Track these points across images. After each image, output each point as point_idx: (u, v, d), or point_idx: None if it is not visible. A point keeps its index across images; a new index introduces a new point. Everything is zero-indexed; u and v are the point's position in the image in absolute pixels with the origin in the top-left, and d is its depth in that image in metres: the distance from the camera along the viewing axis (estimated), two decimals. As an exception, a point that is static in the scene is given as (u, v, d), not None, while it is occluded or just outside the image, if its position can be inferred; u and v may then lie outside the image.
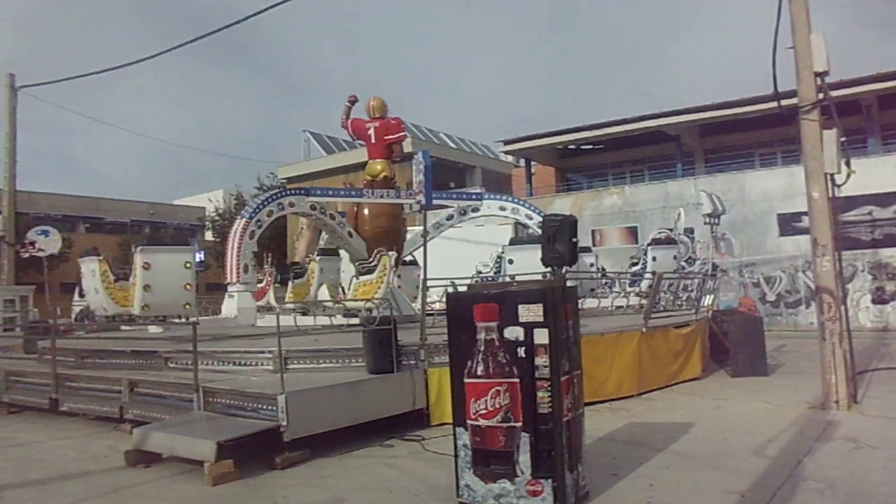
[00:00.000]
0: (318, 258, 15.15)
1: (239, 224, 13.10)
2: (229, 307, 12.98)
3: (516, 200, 15.40)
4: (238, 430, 6.78)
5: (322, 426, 7.11)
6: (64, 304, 19.02)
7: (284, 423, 6.69)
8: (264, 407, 7.00)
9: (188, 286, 11.28)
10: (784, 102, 8.65)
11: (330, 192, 14.95)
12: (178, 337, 9.82)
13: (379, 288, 12.29)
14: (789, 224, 21.41)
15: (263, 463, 6.65)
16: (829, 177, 8.45)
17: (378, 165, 14.26)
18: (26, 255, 17.78)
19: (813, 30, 8.42)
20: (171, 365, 9.31)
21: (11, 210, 20.72)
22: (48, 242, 17.94)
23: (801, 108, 8.44)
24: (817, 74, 8.41)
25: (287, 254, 33.12)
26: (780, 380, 10.85)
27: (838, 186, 8.63)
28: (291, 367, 8.36)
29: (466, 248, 17.70)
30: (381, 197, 13.97)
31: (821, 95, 8.43)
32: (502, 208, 15.02)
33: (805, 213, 8.97)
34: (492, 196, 15.34)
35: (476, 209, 15.04)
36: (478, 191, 17.17)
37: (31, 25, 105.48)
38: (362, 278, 12.90)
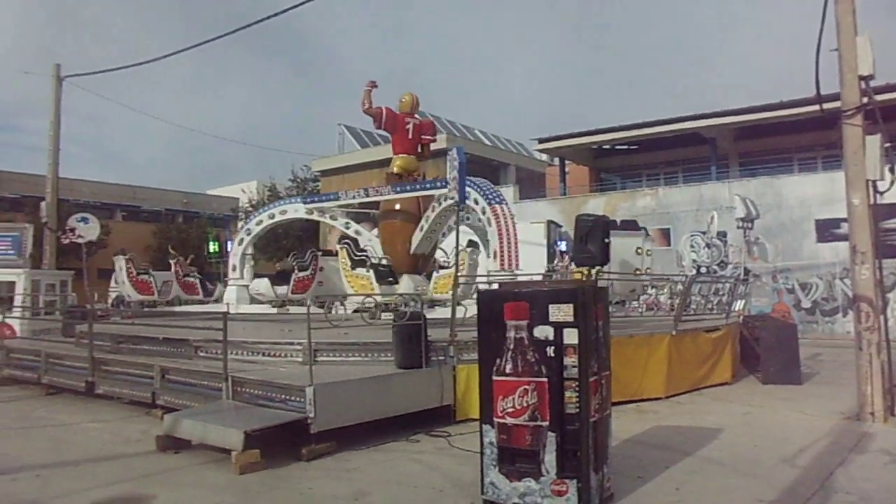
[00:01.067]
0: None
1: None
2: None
3: (471, 184, 12.83)
4: (265, 421, 6.86)
5: (349, 419, 7.16)
6: (101, 290, 19.43)
7: (312, 415, 6.77)
8: (292, 398, 7.08)
9: None
10: (826, 106, 8.48)
11: (323, 198, 16.20)
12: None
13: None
14: (828, 230, 20.98)
15: (290, 454, 6.72)
16: (870, 183, 8.27)
17: (412, 162, 14.29)
18: (66, 241, 18.18)
19: (859, 32, 8.24)
20: (202, 354, 9.47)
21: (54, 197, 21.19)
22: (87, 229, 18.29)
23: (844, 113, 8.26)
24: (862, 78, 8.22)
25: (319, 247, 33.46)
26: (813, 389, 10.65)
27: (880, 193, 8.44)
28: (320, 359, 8.43)
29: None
30: (355, 197, 14.60)
31: (865, 99, 8.24)
32: (476, 201, 12.90)
33: (845, 220, 8.78)
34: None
35: (452, 197, 13.52)
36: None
37: (73, 16, 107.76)
38: (442, 272, 13.11)
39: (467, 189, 12.41)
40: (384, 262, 13.66)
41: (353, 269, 12.99)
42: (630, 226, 14.37)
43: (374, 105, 13.98)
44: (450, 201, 11.19)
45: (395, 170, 14.31)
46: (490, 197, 12.52)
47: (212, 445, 6.81)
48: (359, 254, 13.11)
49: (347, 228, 15.55)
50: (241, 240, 15.94)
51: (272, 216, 15.74)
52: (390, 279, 13.06)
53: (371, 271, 12.72)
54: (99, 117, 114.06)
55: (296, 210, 15.50)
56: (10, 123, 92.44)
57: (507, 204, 12.57)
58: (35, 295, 17.98)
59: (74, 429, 8.55)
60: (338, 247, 13.43)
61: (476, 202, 12.55)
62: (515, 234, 12.20)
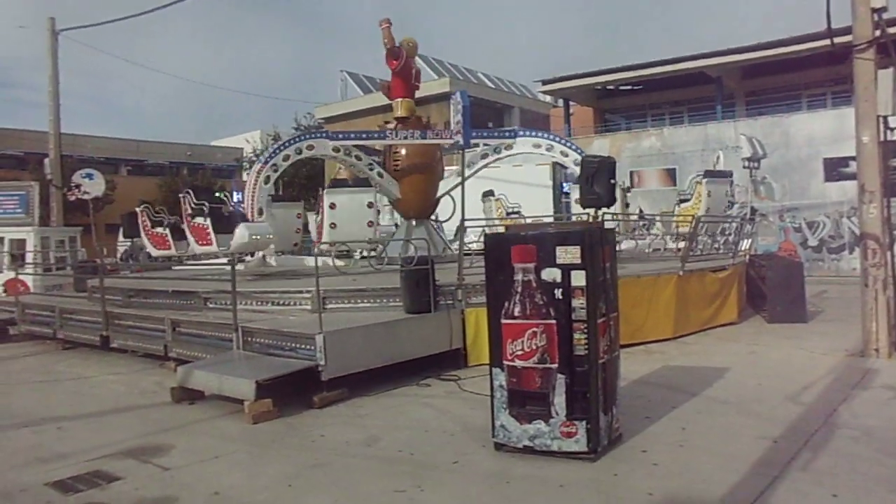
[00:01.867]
0: (704, 180, 14.18)
1: (255, 168, 13.22)
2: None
3: (551, 137, 14.32)
4: (276, 370, 6.95)
5: (359, 366, 7.25)
6: (109, 245, 19.56)
7: (322, 362, 6.84)
8: (302, 346, 7.16)
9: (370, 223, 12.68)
10: (837, 40, 8.28)
11: (352, 135, 14.61)
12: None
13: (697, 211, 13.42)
14: (835, 169, 20.75)
15: (301, 402, 6.82)
16: (881, 119, 8.13)
17: (413, 106, 14.12)
18: (73, 197, 18.22)
19: (872, -38, 7.99)
20: (211, 305, 9.56)
21: (57, 153, 21.10)
22: (93, 185, 18.34)
23: (856, 47, 8.07)
24: (875, 10, 8.00)
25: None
26: (818, 326, 10.71)
27: (891, 130, 8.31)
28: (329, 306, 8.50)
29: (505, 188, 17.58)
30: (406, 138, 13.80)
31: (878, 33, 8.04)
32: (537, 145, 13.91)
33: (853, 158, 8.68)
34: (526, 133, 14.29)
35: (510, 147, 14.04)
36: (512, 128, 15.84)
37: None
38: (683, 205, 14.09)
39: (549, 142, 13.90)
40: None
41: (507, 215, 15.06)
42: None
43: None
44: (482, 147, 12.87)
45: (405, 113, 14.12)
46: (579, 151, 13.63)
47: (225, 396, 6.93)
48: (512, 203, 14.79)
49: (371, 170, 14.91)
50: (268, 177, 13.32)
51: (300, 151, 13.88)
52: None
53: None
54: (102, 73, 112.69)
55: (323, 146, 14.05)
56: (14, 80, 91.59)
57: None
58: (45, 251, 18.12)
59: (92, 382, 8.72)
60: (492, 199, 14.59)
61: (564, 154, 13.57)
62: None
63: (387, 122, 14.46)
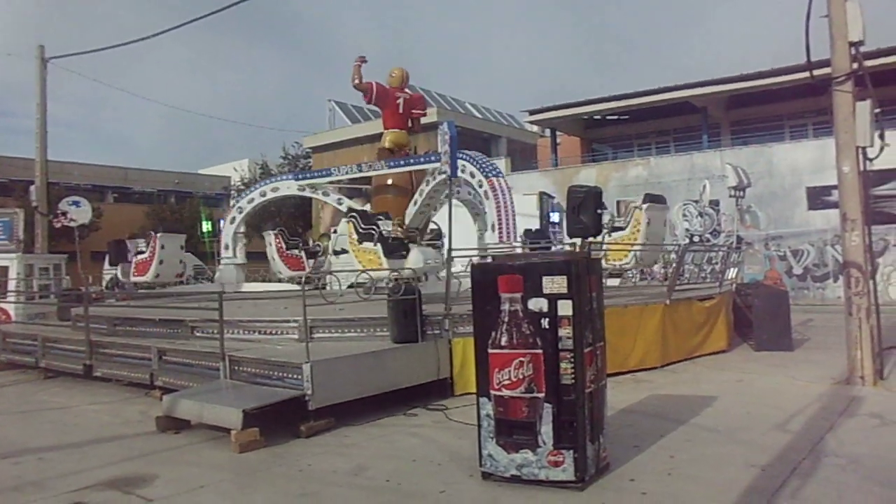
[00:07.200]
0: (644, 206, 12.86)
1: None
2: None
3: (467, 158, 12.76)
4: (263, 399, 6.92)
5: (347, 395, 7.22)
6: (94, 273, 19.40)
7: (309, 391, 6.81)
8: (290, 376, 7.13)
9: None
10: (817, 73, 8.47)
11: (316, 174, 16.09)
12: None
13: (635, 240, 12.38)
14: (819, 197, 21.06)
15: (288, 431, 6.78)
16: (860, 150, 8.28)
17: (403, 136, 14.24)
18: (58, 225, 18.12)
19: (849, -3, 8.20)
20: (198, 334, 9.50)
21: (44, 180, 21.03)
22: (79, 213, 18.26)
23: (835, 80, 8.25)
24: (852, 44, 8.19)
25: (312, 224, 33.49)
26: (804, 354, 10.77)
27: (870, 160, 8.47)
28: (317, 336, 8.49)
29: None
30: (362, 170, 14.18)
31: (855, 65, 8.23)
32: (472, 174, 12.77)
33: (835, 187, 8.81)
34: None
35: (443, 171, 13.47)
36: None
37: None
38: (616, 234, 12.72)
39: (462, 163, 12.46)
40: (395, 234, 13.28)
41: (359, 242, 12.31)
42: None
43: (364, 80, 13.89)
44: (442, 175, 11.02)
45: (387, 145, 14.27)
46: (486, 170, 12.50)
47: (211, 425, 6.86)
48: (366, 227, 12.34)
49: (340, 204, 15.42)
50: (233, 218, 15.86)
51: (264, 194, 15.67)
52: (402, 253, 12.22)
53: (379, 245, 12.06)
54: (92, 101, 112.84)
55: (288, 187, 15.43)
56: (2, 108, 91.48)
57: (503, 177, 12.57)
58: (29, 279, 17.95)
59: (74, 411, 8.60)
60: (344, 220, 12.93)
61: (472, 175, 12.46)
62: (513, 207, 12.23)
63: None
